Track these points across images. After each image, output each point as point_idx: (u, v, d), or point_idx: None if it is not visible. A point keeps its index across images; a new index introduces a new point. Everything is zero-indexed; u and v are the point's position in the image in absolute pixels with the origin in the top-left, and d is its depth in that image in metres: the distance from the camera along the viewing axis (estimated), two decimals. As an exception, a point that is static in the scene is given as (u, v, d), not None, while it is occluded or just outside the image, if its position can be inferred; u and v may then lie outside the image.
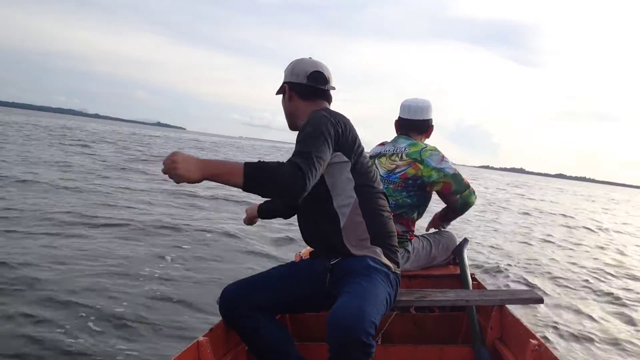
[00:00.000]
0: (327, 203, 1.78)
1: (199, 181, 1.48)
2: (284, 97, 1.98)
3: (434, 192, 2.66)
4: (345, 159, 1.76)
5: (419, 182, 2.56)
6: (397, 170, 2.58)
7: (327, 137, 1.67)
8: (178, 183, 1.49)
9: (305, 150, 1.59)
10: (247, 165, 1.49)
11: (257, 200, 2.04)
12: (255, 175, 1.48)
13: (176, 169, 1.45)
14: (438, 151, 2.60)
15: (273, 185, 1.51)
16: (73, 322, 3.27)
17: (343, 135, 1.75)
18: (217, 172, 1.49)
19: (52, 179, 9.66)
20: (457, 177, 2.55)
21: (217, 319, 1.93)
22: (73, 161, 14.34)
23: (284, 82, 1.97)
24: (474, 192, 2.62)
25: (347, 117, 1.87)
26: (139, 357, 2.91)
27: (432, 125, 2.76)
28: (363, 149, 1.86)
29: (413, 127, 2.71)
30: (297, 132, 2.01)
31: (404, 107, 2.74)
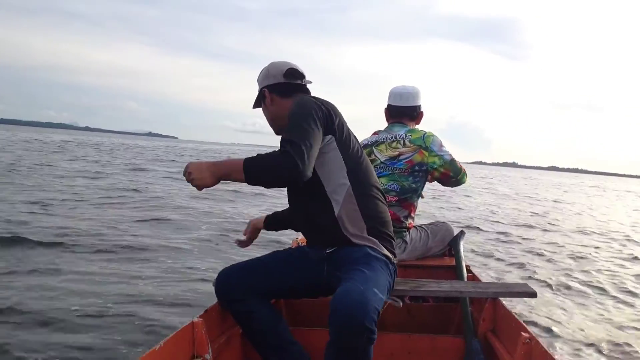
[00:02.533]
0: (319, 189, 1.75)
1: (214, 184, 1.60)
2: (264, 104, 1.95)
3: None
4: (335, 144, 1.73)
5: (424, 169, 2.61)
6: (402, 157, 2.60)
7: (315, 117, 1.66)
8: (200, 190, 1.63)
9: (295, 134, 1.58)
10: (246, 160, 1.57)
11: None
12: (252, 169, 1.56)
13: (192, 180, 1.59)
14: (436, 136, 2.66)
15: (271, 177, 1.58)
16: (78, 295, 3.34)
17: (330, 118, 1.73)
18: (225, 171, 1.60)
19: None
20: (453, 162, 2.63)
21: (214, 300, 1.94)
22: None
23: (261, 89, 1.94)
24: (466, 173, 2.71)
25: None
26: (134, 334, 2.94)
27: (422, 112, 2.78)
28: (352, 135, 1.84)
29: (404, 113, 2.72)
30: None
31: (395, 94, 2.74)
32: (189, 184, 1.61)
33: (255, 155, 1.60)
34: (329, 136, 1.72)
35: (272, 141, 1.99)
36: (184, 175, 1.60)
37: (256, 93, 1.98)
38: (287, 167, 1.52)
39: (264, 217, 2.27)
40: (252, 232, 2.26)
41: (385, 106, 2.80)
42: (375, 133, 2.76)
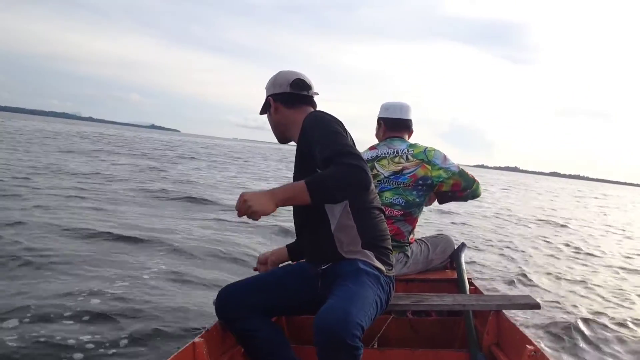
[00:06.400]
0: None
1: (273, 210, 1.58)
2: (269, 112, 1.98)
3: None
4: None
5: (428, 182, 2.60)
6: (406, 171, 2.60)
7: (343, 132, 1.71)
8: (258, 219, 1.58)
9: (345, 148, 1.62)
10: (309, 183, 1.58)
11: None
12: (319, 189, 1.58)
13: (251, 207, 1.55)
14: (438, 150, 2.65)
15: (341, 190, 1.60)
16: (67, 316, 3.25)
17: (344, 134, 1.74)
18: (286, 197, 1.60)
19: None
20: (463, 173, 2.62)
21: (214, 320, 1.93)
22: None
23: (267, 97, 1.97)
24: (479, 183, 2.68)
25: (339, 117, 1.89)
26: (134, 357, 2.89)
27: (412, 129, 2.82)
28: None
29: (405, 126, 2.74)
30: (285, 144, 2.00)
31: (394, 107, 2.74)
32: (243, 216, 1.57)
33: (313, 177, 1.60)
34: None
35: (272, 138, 2.04)
36: (239, 207, 1.56)
37: (264, 98, 2.00)
38: (356, 175, 1.56)
39: (285, 250, 2.22)
40: (273, 266, 2.20)
41: (380, 119, 2.77)
42: (372, 148, 2.75)
